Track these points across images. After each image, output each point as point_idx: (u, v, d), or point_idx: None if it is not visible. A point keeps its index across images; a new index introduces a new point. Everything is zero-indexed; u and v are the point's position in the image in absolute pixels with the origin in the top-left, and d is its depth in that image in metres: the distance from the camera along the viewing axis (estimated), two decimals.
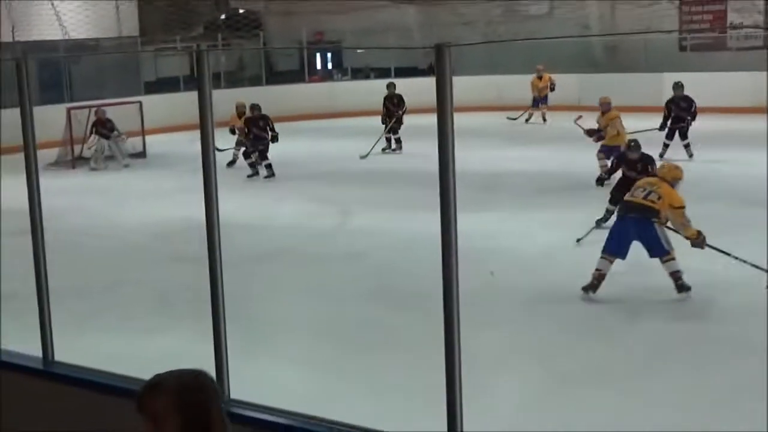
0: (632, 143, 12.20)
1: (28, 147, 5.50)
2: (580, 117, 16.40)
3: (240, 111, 18.85)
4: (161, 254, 11.76)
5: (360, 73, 31.18)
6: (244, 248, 10.61)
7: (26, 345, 6.11)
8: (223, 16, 32.04)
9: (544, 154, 18.44)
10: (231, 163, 18.50)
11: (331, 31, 32.15)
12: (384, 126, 20.30)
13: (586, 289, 9.08)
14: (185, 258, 10.68)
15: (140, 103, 22.33)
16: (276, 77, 30.97)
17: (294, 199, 15.26)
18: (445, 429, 4.19)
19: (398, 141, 20.22)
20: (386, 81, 22.29)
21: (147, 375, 3.23)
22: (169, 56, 30.84)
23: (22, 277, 7.90)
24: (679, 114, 17.41)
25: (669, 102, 17.64)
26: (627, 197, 9.52)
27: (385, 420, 5.43)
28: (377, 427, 4.66)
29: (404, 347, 7.95)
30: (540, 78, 24.47)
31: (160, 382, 2.75)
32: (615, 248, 9.16)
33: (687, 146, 17.28)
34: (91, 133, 20.55)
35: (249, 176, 17.49)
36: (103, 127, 20.32)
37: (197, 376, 2.80)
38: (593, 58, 28.05)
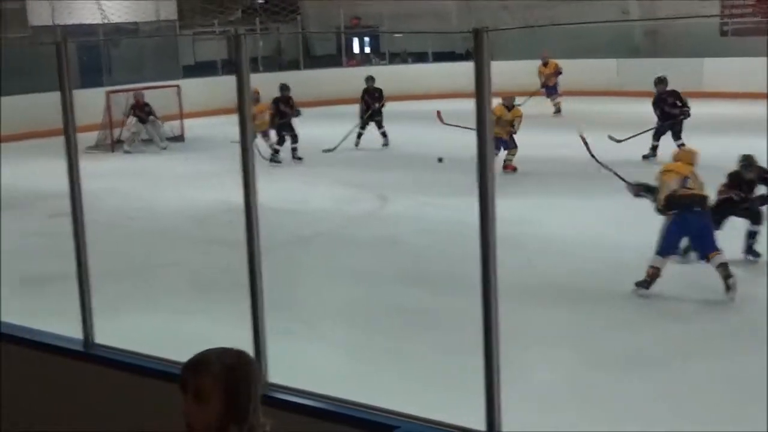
0: (744, 161, 9.95)
1: (68, 130, 5.53)
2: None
3: (254, 98, 18.61)
4: (198, 237, 11.83)
5: (397, 58, 31.12)
6: (280, 232, 10.64)
7: (65, 327, 6.18)
8: (261, 0, 32.07)
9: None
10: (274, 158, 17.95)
11: (368, 16, 32.09)
12: (361, 119, 19.52)
13: (639, 284, 8.83)
14: (222, 241, 10.73)
15: (178, 86, 22.44)
16: (313, 61, 30.98)
17: (330, 183, 15.28)
18: (483, 412, 4.19)
19: (384, 135, 19.36)
20: (425, 66, 22.23)
21: (185, 357, 3.25)
22: (207, 40, 30.94)
23: (61, 260, 8.00)
24: (669, 111, 16.17)
25: (655, 102, 16.44)
26: (673, 192, 8.95)
27: (422, 404, 5.43)
28: (414, 412, 4.66)
29: (441, 331, 7.95)
30: (545, 64, 23.99)
31: (203, 360, 2.77)
32: (672, 247, 8.93)
33: (681, 147, 15.24)
34: (128, 116, 20.74)
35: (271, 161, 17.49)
36: (141, 110, 20.52)
37: (240, 354, 2.82)
38: (633, 42, 27.82)
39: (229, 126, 17.79)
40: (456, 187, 13.73)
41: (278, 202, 12.69)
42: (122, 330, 6.59)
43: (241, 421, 2.74)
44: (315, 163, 17.29)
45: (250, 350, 4.92)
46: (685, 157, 9.47)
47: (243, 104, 4.63)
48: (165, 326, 7.95)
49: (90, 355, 5.69)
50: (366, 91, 19.91)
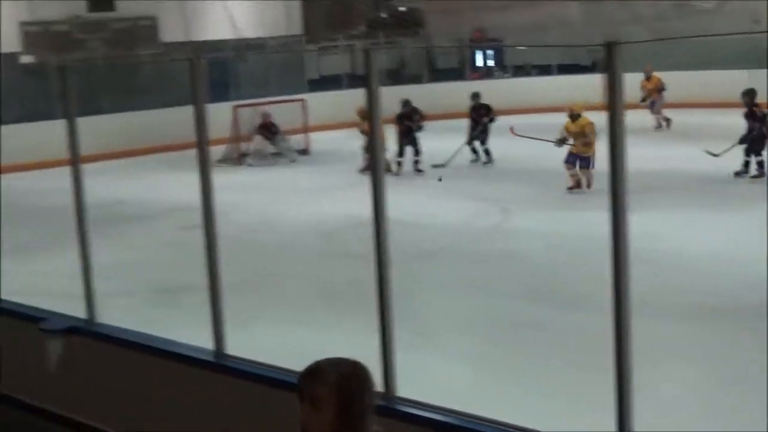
0: None
1: (202, 144, 5.64)
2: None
3: (362, 114, 18.77)
4: (324, 250, 11.93)
5: (521, 71, 30.92)
6: (405, 246, 10.64)
7: (194, 336, 6.30)
8: (385, 15, 32.28)
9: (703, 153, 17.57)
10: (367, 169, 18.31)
11: (492, 29, 31.97)
12: (469, 137, 19.29)
13: None
14: (348, 254, 10.82)
15: (304, 100, 22.72)
16: (436, 75, 31.01)
17: (455, 197, 15.25)
18: (612, 427, 4.12)
19: (487, 152, 19.02)
20: (549, 78, 22.04)
21: None
22: (332, 54, 31.27)
23: (192, 271, 8.16)
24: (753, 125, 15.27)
25: (745, 116, 15.43)
26: None
27: (547, 420, 5.37)
28: (539, 427, 4.60)
29: (566, 347, 7.84)
30: (648, 79, 23.00)
31: (319, 369, 2.84)
32: None
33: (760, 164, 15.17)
34: (255, 134, 21.18)
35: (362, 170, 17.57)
36: (267, 130, 20.97)
37: (355, 365, 2.88)
38: (765, 53, 27.01)
39: (354, 140, 18.16)
40: (582, 201, 13.61)
41: (402, 215, 12.72)
42: (251, 341, 6.68)
43: (351, 429, 2.79)
44: (443, 175, 17.28)
45: (377, 363, 4.96)
46: None
47: (373, 117, 4.65)
48: (293, 338, 8.03)
49: (221, 366, 5.78)
50: (473, 108, 19.77)
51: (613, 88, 3.99)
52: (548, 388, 7.05)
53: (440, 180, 16.66)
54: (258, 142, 21.23)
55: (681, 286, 9.46)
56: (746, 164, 15.22)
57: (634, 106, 21.87)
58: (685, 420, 6.43)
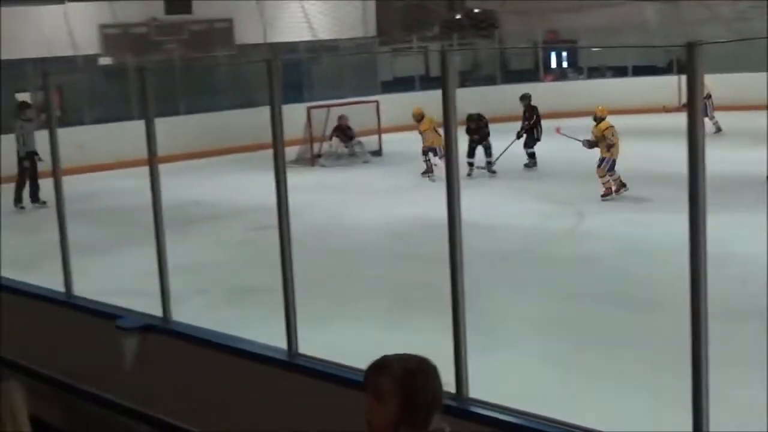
0: None
1: (277, 145, 5.68)
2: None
3: (417, 118, 18.92)
4: (396, 251, 11.94)
5: (596, 72, 30.65)
6: (478, 247, 10.59)
7: (266, 335, 6.34)
8: (458, 16, 32.22)
9: None
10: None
11: (566, 30, 31.74)
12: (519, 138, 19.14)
13: None
14: (420, 256, 10.81)
15: (377, 102, 22.79)
16: (510, 76, 30.88)
17: (528, 199, 15.17)
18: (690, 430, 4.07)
19: (531, 156, 18.97)
20: (624, 80, 21.87)
21: None
22: (405, 56, 31.30)
23: (263, 271, 8.23)
24: None
25: None
26: None
27: (624, 422, 5.32)
28: (613, 429, 4.55)
29: (642, 349, 7.75)
30: None
31: (385, 362, 2.89)
32: None
33: None
34: (331, 137, 21.33)
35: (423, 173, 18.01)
36: (343, 133, 21.11)
37: (421, 361, 2.92)
38: None
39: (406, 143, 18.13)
40: (656, 204, 13.44)
41: (475, 216, 12.69)
42: (323, 341, 6.71)
43: (412, 424, 2.82)
44: (511, 177, 17.22)
45: (449, 364, 4.95)
46: None
47: (449, 119, 4.64)
48: (364, 338, 8.04)
49: (293, 365, 5.81)
50: (528, 108, 19.70)
51: (694, 90, 3.93)
52: (623, 390, 6.98)
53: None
54: (334, 143, 21.43)
55: (760, 289, 9.27)
56: None
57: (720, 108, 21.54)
58: (762, 425, 6.31)
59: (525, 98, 19.93)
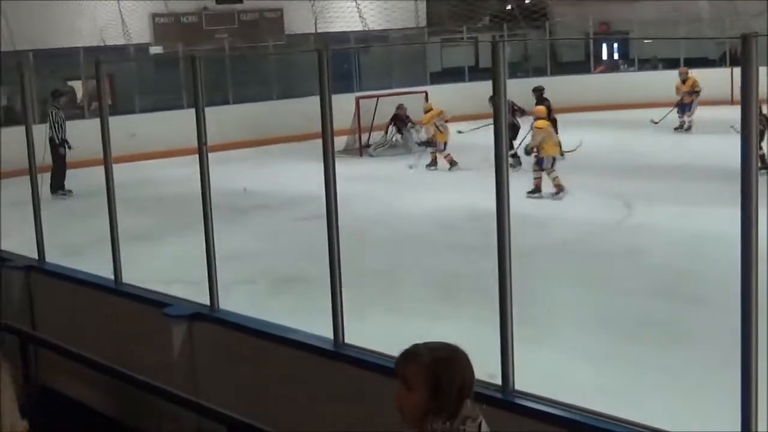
0: None
1: (326, 135, 5.67)
2: None
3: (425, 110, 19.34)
4: (443, 242, 11.91)
5: (647, 64, 30.35)
6: (526, 239, 10.55)
7: (312, 325, 6.35)
8: (509, 6, 32.04)
9: None
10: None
11: (617, 21, 31.45)
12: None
13: None
14: (467, 246, 10.78)
15: (426, 92, 22.74)
16: (560, 67, 30.68)
17: (580, 191, 15.05)
18: (737, 426, 4.02)
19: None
20: (676, 72, 21.71)
21: None
22: (454, 46, 31.22)
23: (311, 261, 8.24)
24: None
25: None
26: None
27: (671, 417, 5.26)
28: (666, 426, 4.50)
29: (690, 344, 7.67)
30: (684, 81, 22.24)
31: (416, 351, 2.93)
32: None
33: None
34: (389, 125, 21.32)
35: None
36: (401, 122, 21.11)
37: (451, 350, 2.94)
38: None
39: (483, 132, 18.10)
40: (707, 197, 13.28)
41: (524, 208, 12.66)
42: (369, 331, 6.71)
43: (441, 411, 2.84)
44: (568, 169, 17.09)
45: (496, 356, 4.92)
46: None
47: (499, 110, 4.60)
48: (411, 329, 8.02)
49: (340, 355, 5.81)
50: (540, 100, 19.51)
51: (749, 82, 3.87)
52: (672, 385, 6.91)
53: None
54: (393, 134, 21.46)
55: None
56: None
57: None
58: None
59: (537, 90, 19.77)
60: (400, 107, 21.36)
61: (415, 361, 2.88)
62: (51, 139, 16.63)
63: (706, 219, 11.91)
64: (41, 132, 16.55)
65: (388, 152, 21.00)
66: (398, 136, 21.41)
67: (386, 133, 21.49)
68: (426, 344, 2.94)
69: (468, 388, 2.90)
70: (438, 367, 2.85)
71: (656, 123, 20.96)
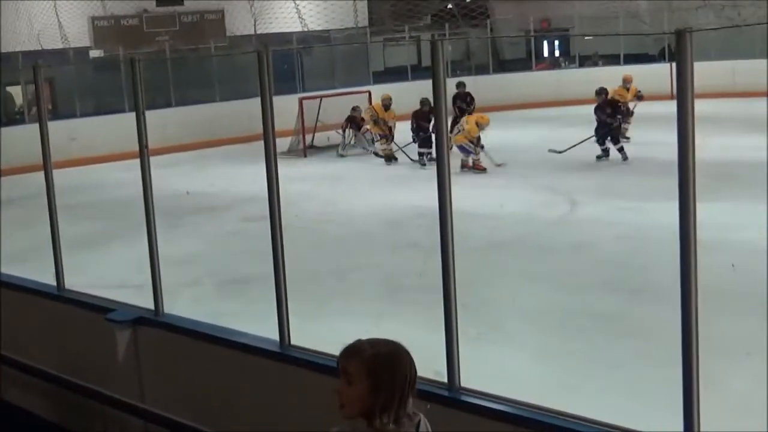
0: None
1: (268, 136, 5.67)
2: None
3: (385, 104, 19.80)
4: (390, 241, 11.92)
5: (588, 61, 30.65)
6: (473, 237, 10.60)
7: (259, 328, 6.33)
8: (450, 6, 32.18)
9: None
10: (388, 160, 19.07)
11: (558, 18, 31.73)
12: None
13: None
14: (415, 245, 10.79)
15: (369, 92, 22.77)
16: (502, 65, 30.88)
17: (522, 188, 15.15)
18: (679, 420, 4.07)
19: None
20: (616, 68, 21.79)
21: None
22: (396, 46, 31.28)
23: (257, 262, 8.20)
24: (605, 120, 17.52)
25: (594, 110, 17.89)
26: None
27: (617, 411, 5.30)
28: (608, 420, 4.55)
29: (636, 338, 7.74)
30: (627, 89, 20.43)
31: (357, 346, 2.94)
32: None
33: (620, 150, 17.34)
34: (345, 128, 21.32)
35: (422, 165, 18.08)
36: (356, 124, 21.12)
37: (393, 346, 2.96)
38: None
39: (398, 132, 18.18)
40: (649, 191, 13.43)
41: (468, 206, 12.71)
42: (316, 332, 6.70)
43: (385, 407, 2.84)
44: (510, 165, 17.21)
45: (442, 353, 4.94)
46: None
47: (440, 109, 4.62)
48: (359, 329, 7.98)
49: (286, 356, 5.81)
50: (457, 97, 19.77)
51: (684, 77, 3.93)
52: (618, 381, 6.97)
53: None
54: (350, 136, 21.48)
55: (757, 277, 9.27)
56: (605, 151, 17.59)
57: (703, 95, 21.41)
58: (758, 417, 6.31)
59: (461, 85, 20.02)
60: (354, 109, 21.36)
61: (356, 356, 2.89)
62: None
63: (649, 212, 12.04)
64: None
65: (354, 152, 21.05)
66: (353, 137, 21.42)
67: (344, 134, 21.45)
68: (368, 340, 2.95)
69: (411, 385, 2.91)
70: (379, 363, 2.86)
71: (560, 152, 18.23)
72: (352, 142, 21.42)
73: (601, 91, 18.02)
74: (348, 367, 2.89)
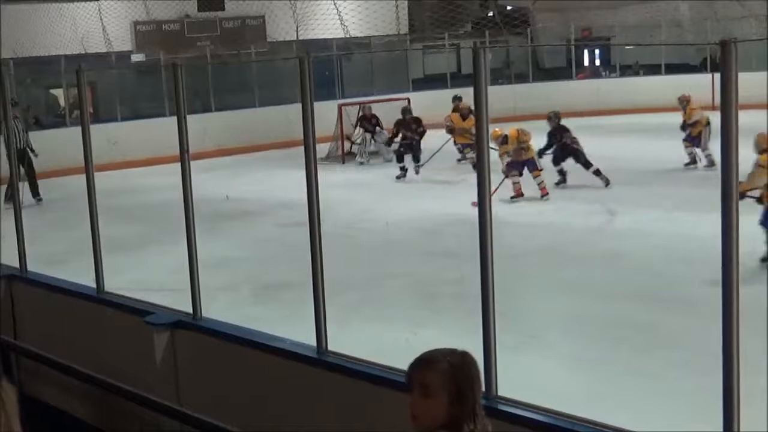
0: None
1: (308, 141, 5.68)
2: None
3: (463, 114, 18.99)
4: (425, 248, 11.90)
5: (629, 70, 30.48)
6: (509, 245, 10.57)
7: (296, 332, 6.34)
8: (491, 13, 32.14)
9: None
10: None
11: (599, 27, 31.58)
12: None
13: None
14: (450, 253, 10.77)
15: (408, 99, 22.77)
16: (542, 74, 30.77)
17: (561, 197, 15.09)
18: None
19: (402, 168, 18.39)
20: (657, 78, 21.54)
21: None
22: (436, 53, 31.28)
23: (294, 268, 8.22)
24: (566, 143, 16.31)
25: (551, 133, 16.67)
26: None
27: (655, 421, 5.27)
28: (645, 430, 4.52)
29: (673, 348, 7.67)
30: (686, 110, 18.52)
31: (431, 357, 2.92)
32: None
33: (596, 173, 15.94)
34: (356, 127, 21.30)
35: (398, 177, 18.08)
36: (368, 122, 21.05)
37: (464, 355, 2.96)
38: None
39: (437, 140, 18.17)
40: (689, 202, 13.33)
41: (509, 214, 12.69)
42: (352, 338, 6.70)
43: (470, 416, 2.86)
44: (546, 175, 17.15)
45: (479, 362, 4.92)
46: None
47: (481, 118, 4.61)
48: (394, 336, 8.02)
49: (322, 362, 5.81)
50: (401, 122, 19.44)
51: (728, 87, 3.90)
52: (655, 390, 6.92)
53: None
54: (359, 135, 21.36)
55: None
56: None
57: (745, 106, 21.23)
58: None
59: (406, 112, 19.69)
60: (365, 108, 21.35)
61: (433, 368, 2.87)
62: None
63: (687, 223, 11.95)
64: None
65: (368, 158, 20.97)
66: (367, 136, 21.22)
67: (352, 134, 21.43)
68: (439, 351, 2.94)
69: (480, 393, 2.95)
70: (458, 372, 2.86)
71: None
72: (369, 146, 21.20)
73: (554, 116, 17.09)
74: (424, 379, 2.86)
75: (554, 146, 16.46)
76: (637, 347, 7.87)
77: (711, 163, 16.53)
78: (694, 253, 10.22)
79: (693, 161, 17.49)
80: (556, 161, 16.35)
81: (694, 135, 18.16)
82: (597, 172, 15.83)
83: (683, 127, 17.87)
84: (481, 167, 4.66)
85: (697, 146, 17.58)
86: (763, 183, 9.55)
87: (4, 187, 13.19)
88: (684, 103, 19.15)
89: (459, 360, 2.91)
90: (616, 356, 7.68)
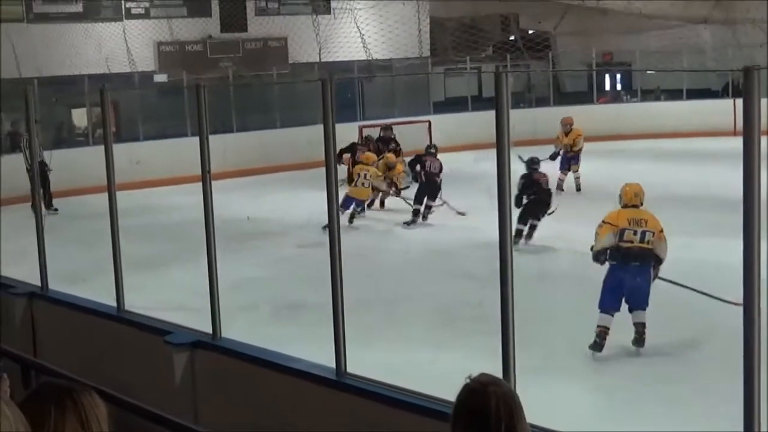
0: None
1: (330, 163, 5.70)
2: None
3: (566, 130, 18.78)
4: (445, 270, 11.91)
5: (650, 95, 30.44)
6: (528, 268, 10.55)
7: (314, 353, 6.34)
8: (512, 37, 32.19)
9: None
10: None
11: (620, 52, 31.56)
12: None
13: (592, 348, 8.35)
14: (471, 275, 10.76)
15: (429, 122, 22.81)
16: (563, 98, 30.76)
17: (580, 221, 15.03)
18: None
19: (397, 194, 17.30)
20: (678, 103, 21.46)
21: (434, 390, 3.17)
22: (457, 76, 31.33)
23: (312, 288, 8.22)
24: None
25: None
26: (622, 243, 8.88)
27: None
28: None
29: (700, 376, 7.65)
30: (567, 134, 19.03)
31: (481, 387, 2.81)
32: (613, 302, 8.60)
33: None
34: (373, 147, 21.21)
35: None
36: (386, 144, 20.94)
37: (505, 383, 2.96)
38: None
39: (475, 162, 18.17)
40: (710, 227, 13.27)
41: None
42: (372, 360, 6.70)
43: None
44: (566, 200, 17.11)
45: None
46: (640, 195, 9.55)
47: (503, 142, 4.61)
48: (413, 358, 8.01)
49: (342, 384, 5.80)
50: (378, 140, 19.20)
51: (751, 114, 3.89)
52: (678, 418, 6.89)
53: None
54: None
55: None
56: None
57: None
58: None
59: (388, 129, 19.59)
60: (385, 129, 20.56)
61: (488, 396, 2.79)
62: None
63: (710, 249, 11.90)
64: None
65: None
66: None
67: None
68: (483, 378, 2.86)
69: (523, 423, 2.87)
70: (511, 399, 2.80)
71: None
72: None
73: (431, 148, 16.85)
74: (480, 408, 2.77)
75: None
76: (657, 372, 7.84)
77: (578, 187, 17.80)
78: (719, 280, 10.18)
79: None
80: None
81: (570, 156, 18.50)
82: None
83: (563, 153, 18.15)
84: (501, 190, 4.66)
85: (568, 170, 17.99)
86: None
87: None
88: (568, 126, 19.11)
89: (508, 387, 2.88)
90: (635, 382, 7.66)
